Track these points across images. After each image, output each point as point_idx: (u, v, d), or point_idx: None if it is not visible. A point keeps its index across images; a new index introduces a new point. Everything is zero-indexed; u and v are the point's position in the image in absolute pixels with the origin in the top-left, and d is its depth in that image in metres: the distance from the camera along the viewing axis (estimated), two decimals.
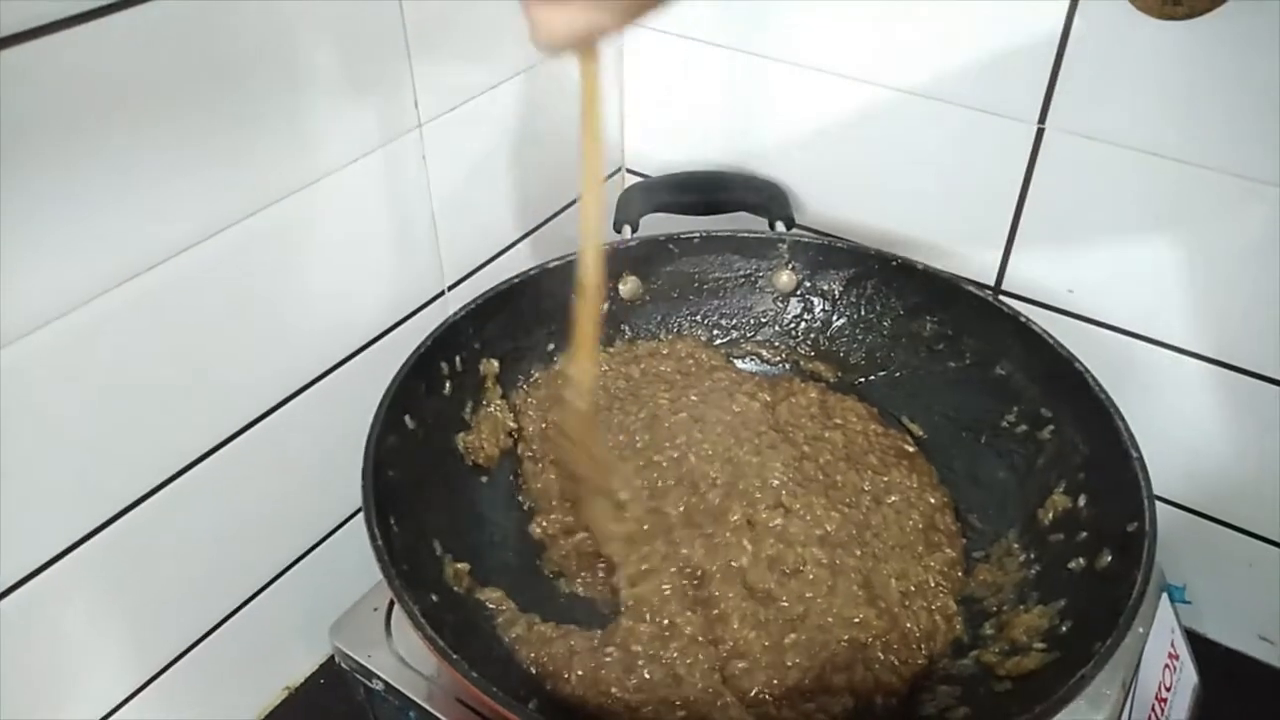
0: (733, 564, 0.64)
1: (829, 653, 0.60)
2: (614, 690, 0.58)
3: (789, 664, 0.60)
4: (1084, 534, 0.62)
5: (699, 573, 0.64)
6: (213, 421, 0.66)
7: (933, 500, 0.70)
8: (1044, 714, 0.49)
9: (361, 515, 0.78)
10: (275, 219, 0.63)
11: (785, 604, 0.62)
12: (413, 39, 0.67)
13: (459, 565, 0.64)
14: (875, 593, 0.63)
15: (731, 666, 0.60)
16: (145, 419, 0.60)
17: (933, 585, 0.65)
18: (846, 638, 0.61)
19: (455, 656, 0.49)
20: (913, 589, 0.64)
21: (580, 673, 0.59)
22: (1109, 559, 0.59)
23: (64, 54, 0.48)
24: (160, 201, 0.56)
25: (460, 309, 0.70)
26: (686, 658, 0.60)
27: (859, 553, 0.65)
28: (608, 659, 0.60)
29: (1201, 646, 0.80)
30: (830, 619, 0.62)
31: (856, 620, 0.62)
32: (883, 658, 0.61)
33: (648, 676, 0.59)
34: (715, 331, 0.81)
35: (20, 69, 0.46)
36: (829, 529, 0.66)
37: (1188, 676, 0.74)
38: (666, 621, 0.62)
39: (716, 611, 0.62)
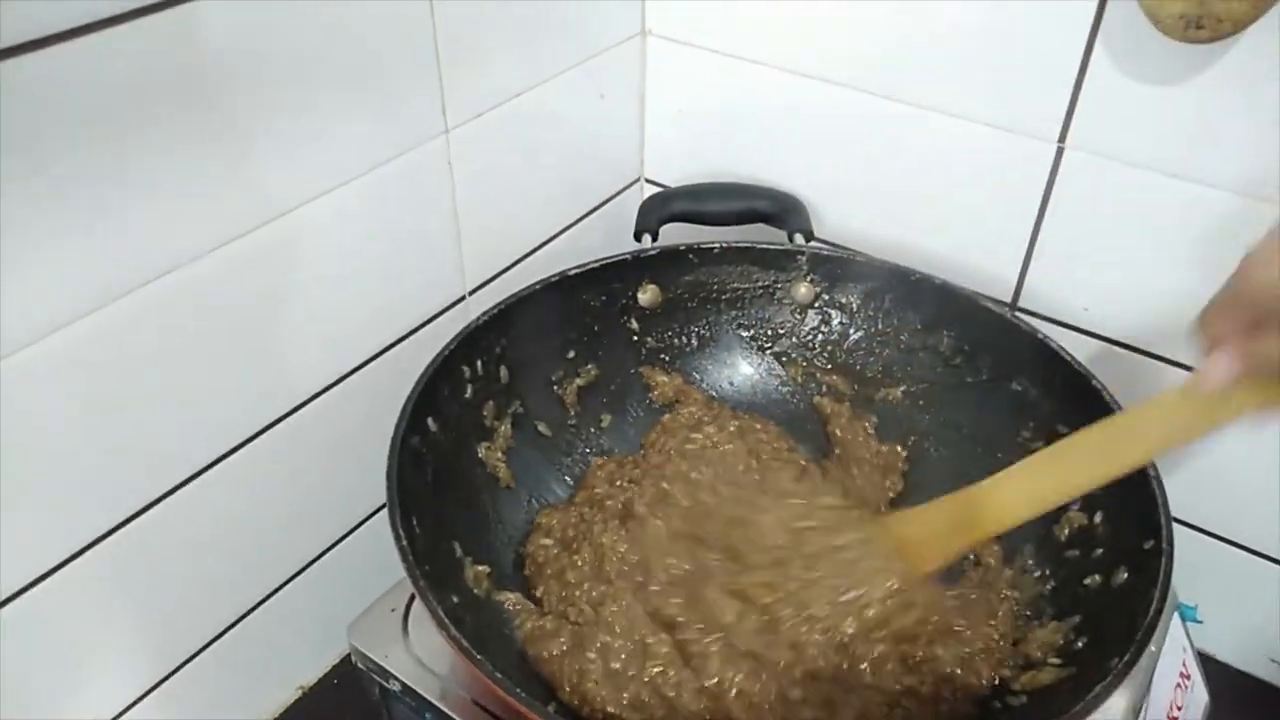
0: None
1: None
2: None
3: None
4: (1100, 551, 0.63)
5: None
6: (230, 424, 0.66)
7: None
8: None
9: (377, 518, 0.81)
10: (299, 222, 0.64)
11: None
12: (443, 45, 0.68)
13: (479, 568, 0.64)
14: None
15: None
16: (161, 421, 0.61)
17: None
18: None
19: (479, 657, 0.50)
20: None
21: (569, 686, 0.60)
22: (1125, 576, 0.60)
23: (81, 61, 0.48)
24: (185, 206, 0.56)
25: (483, 314, 0.71)
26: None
27: None
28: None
29: (1212, 667, 0.80)
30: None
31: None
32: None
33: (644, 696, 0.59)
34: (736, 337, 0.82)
35: (28, 79, 0.46)
36: None
37: (1199, 696, 0.74)
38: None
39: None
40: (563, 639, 0.62)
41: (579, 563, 0.68)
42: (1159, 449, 0.56)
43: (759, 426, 0.78)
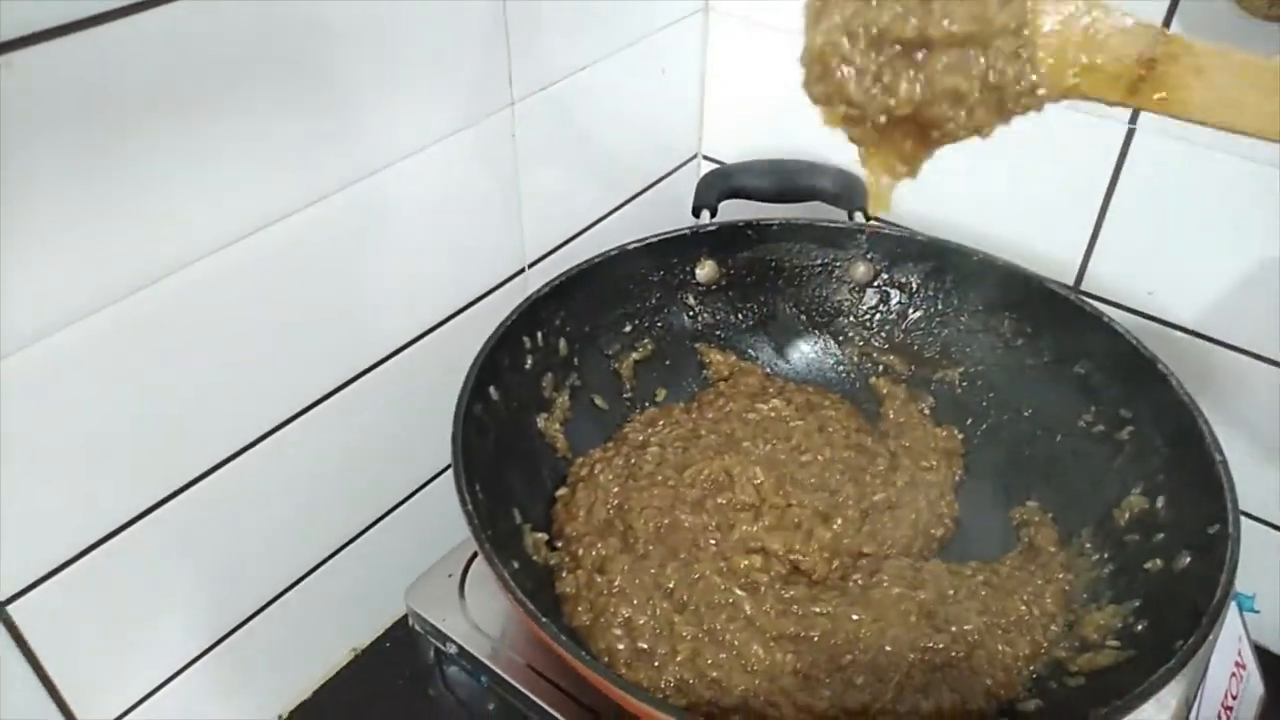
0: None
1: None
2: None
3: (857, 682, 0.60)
4: (1161, 535, 0.62)
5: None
6: (293, 390, 0.67)
7: None
8: (1124, 708, 0.50)
9: (431, 486, 0.82)
10: (363, 194, 0.64)
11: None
12: (512, 17, 0.68)
13: (538, 535, 0.65)
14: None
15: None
16: (226, 387, 0.62)
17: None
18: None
19: (544, 620, 0.50)
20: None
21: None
22: (1188, 560, 0.59)
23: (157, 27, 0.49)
24: (269, 169, 0.57)
25: (544, 285, 0.71)
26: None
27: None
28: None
29: (1268, 660, 0.79)
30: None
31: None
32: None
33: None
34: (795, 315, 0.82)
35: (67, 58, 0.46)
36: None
37: (1254, 686, 0.73)
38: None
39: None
40: (581, 609, 0.62)
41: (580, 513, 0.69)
42: None
43: (827, 403, 0.78)
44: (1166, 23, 0.66)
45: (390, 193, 0.66)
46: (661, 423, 0.77)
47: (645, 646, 0.60)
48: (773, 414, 0.76)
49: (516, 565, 0.60)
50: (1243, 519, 0.78)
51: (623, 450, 0.74)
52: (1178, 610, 0.56)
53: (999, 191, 0.80)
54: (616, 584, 0.63)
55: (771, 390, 0.79)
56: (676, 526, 0.67)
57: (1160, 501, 0.64)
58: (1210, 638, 0.67)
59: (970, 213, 0.82)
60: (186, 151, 0.53)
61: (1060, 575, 0.66)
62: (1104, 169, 0.73)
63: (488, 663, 0.65)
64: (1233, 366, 0.74)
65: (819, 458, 0.73)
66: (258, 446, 0.66)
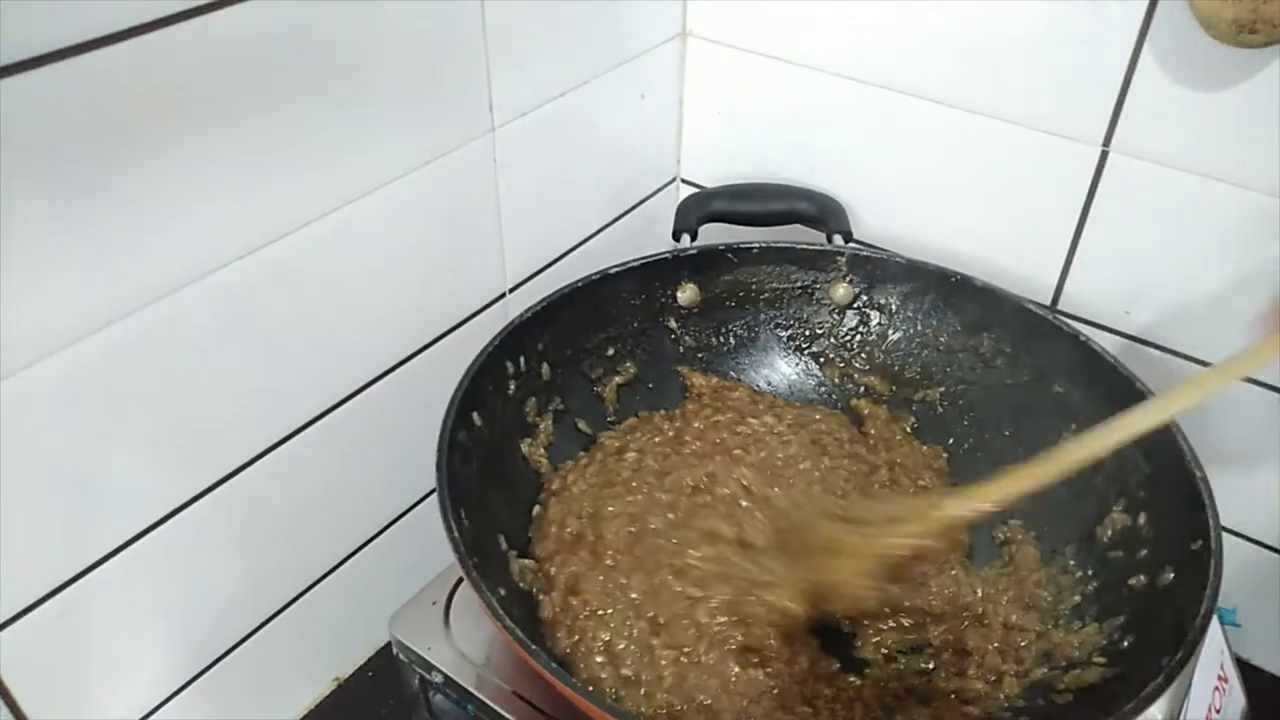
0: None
1: None
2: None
3: None
4: (1144, 551, 0.63)
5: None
6: (271, 419, 0.67)
7: None
8: None
9: (413, 513, 0.81)
10: (342, 221, 0.64)
11: None
12: (492, 43, 0.68)
13: (523, 561, 0.65)
14: None
15: None
16: (204, 418, 0.61)
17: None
18: None
19: (534, 648, 0.50)
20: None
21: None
22: (1171, 576, 0.60)
23: (134, 59, 0.48)
24: (236, 206, 0.57)
25: (526, 310, 0.71)
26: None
27: None
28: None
29: (1248, 673, 0.80)
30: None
31: None
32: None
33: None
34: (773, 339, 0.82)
35: (70, 79, 0.46)
36: None
37: (1236, 700, 0.74)
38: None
39: None
40: (561, 634, 0.62)
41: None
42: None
43: (819, 416, 0.78)
44: (1137, 47, 0.67)
45: (370, 219, 0.66)
46: (641, 431, 0.76)
47: (630, 674, 0.60)
48: (763, 428, 0.76)
49: (503, 592, 0.60)
50: (1225, 534, 0.80)
51: (597, 458, 0.73)
52: (1163, 626, 0.56)
53: (976, 213, 0.81)
54: (590, 605, 0.63)
55: (762, 405, 0.79)
56: (645, 533, 0.67)
57: (1142, 518, 0.64)
58: (1194, 654, 0.68)
59: (948, 234, 0.83)
60: (153, 183, 0.52)
61: (1035, 591, 0.66)
62: (1079, 190, 0.74)
63: (474, 691, 0.64)
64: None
65: (818, 469, 0.73)
66: (237, 477, 0.65)
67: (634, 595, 0.63)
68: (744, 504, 0.70)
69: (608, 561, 0.65)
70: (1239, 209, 0.68)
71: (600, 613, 0.62)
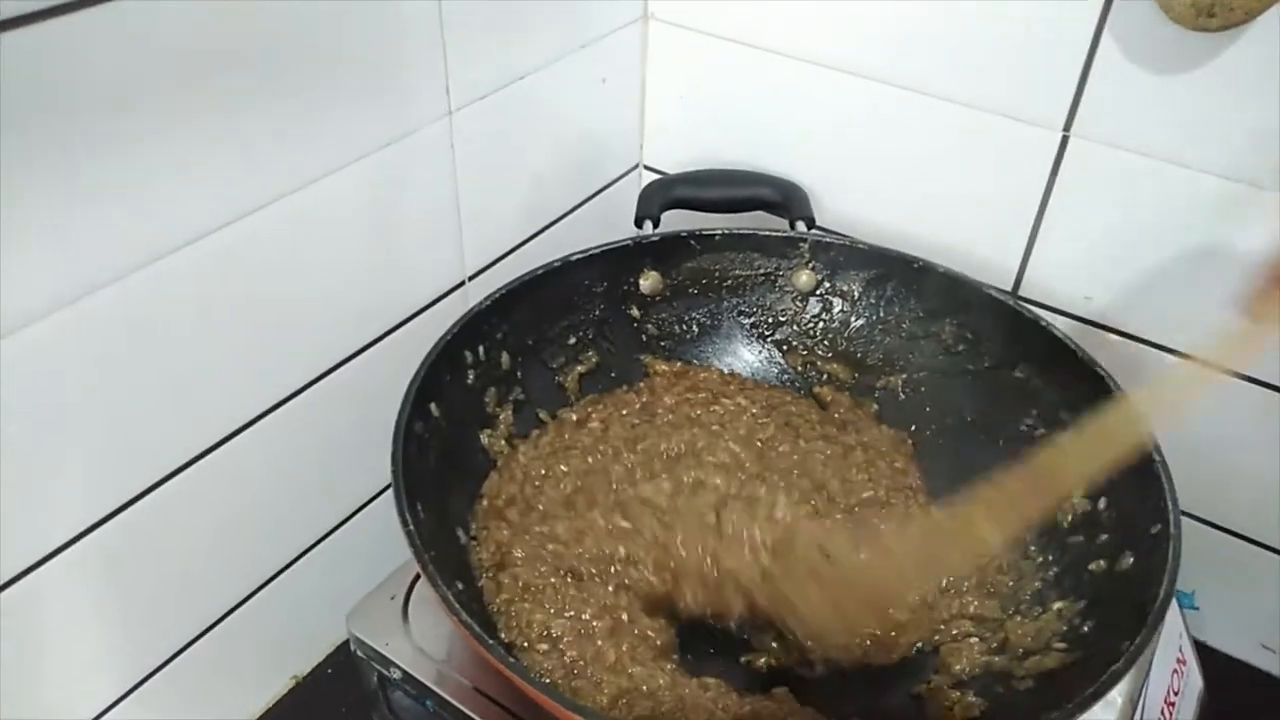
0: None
1: None
2: None
3: None
4: (1105, 536, 0.63)
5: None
6: (224, 412, 0.65)
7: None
8: (1074, 711, 0.50)
9: (371, 506, 0.80)
10: (297, 206, 0.62)
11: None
12: (448, 25, 0.67)
13: (483, 553, 0.64)
14: None
15: None
16: (154, 410, 0.60)
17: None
18: None
19: (490, 642, 0.49)
20: None
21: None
22: (1131, 560, 0.60)
23: (71, 38, 0.47)
24: (181, 189, 0.55)
25: (485, 298, 0.70)
26: None
27: None
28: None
29: (1205, 654, 0.81)
30: None
31: None
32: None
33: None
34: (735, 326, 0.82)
35: (20, 54, 0.45)
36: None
37: (1194, 682, 0.75)
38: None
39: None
40: (500, 625, 0.61)
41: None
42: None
43: (788, 398, 0.78)
44: (1097, 31, 0.67)
45: (324, 206, 0.64)
46: (605, 405, 0.76)
47: (574, 656, 0.59)
48: (736, 408, 0.76)
49: (461, 586, 0.59)
50: (1182, 518, 0.81)
51: (553, 430, 0.73)
52: (1122, 611, 0.57)
53: (939, 198, 0.81)
54: (520, 579, 0.62)
55: (733, 386, 0.78)
56: (593, 484, 0.67)
57: (1102, 503, 0.64)
58: (1154, 637, 0.69)
59: (912, 219, 0.83)
60: (87, 168, 0.50)
61: (996, 577, 0.66)
62: (1040, 175, 0.74)
63: (433, 687, 0.63)
64: (1167, 368, 0.76)
65: (795, 452, 0.72)
66: (186, 472, 0.63)
67: (553, 546, 0.63)
68: (741, 476, 0.69)
69: (535, 518, 0.65)
70: (1199, 193, 0.69)
71: (531, 586, 0.61)
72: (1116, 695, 0.64)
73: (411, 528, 0.54)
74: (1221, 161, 0.67)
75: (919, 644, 0.63)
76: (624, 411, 0.75)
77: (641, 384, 0.79)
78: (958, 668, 0.61)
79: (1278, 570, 0.80)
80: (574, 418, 0.74)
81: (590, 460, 0.70)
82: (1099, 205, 0.73)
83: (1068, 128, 0.71)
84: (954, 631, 0.63)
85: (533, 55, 0.77)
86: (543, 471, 0.69)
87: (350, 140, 0.64)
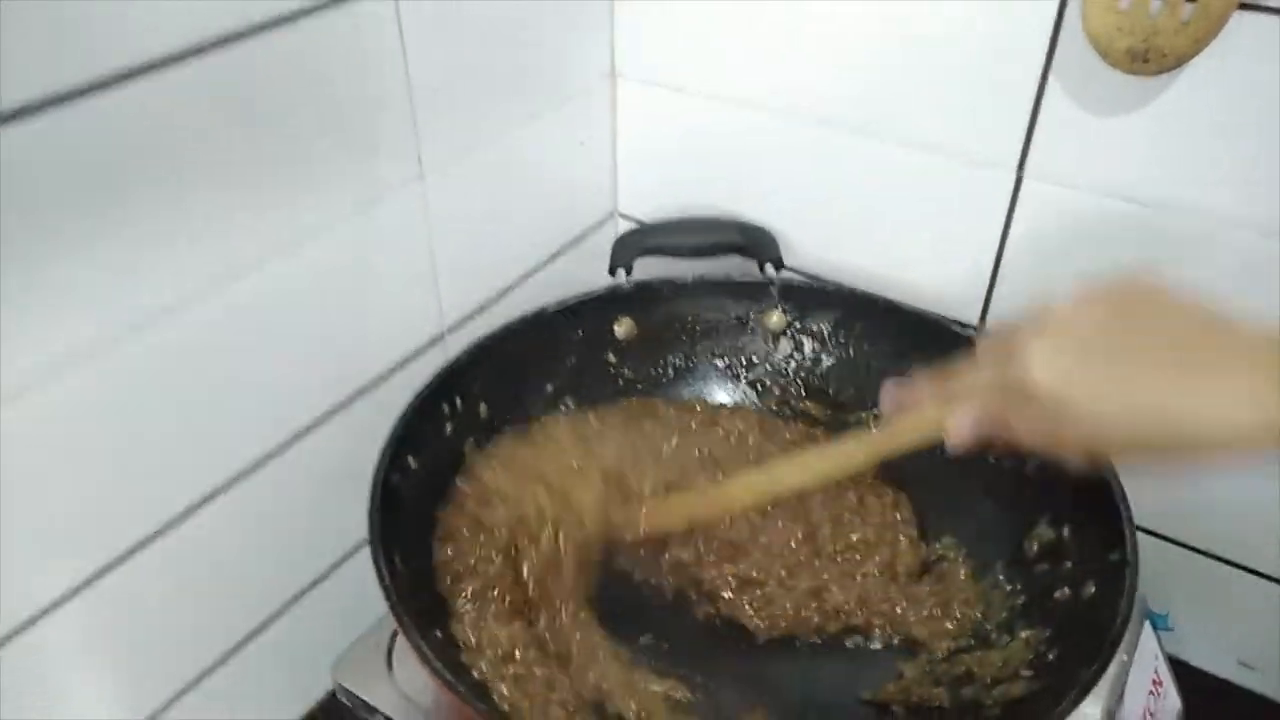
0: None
1: None
2: None
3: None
4: (1068, 564, 0.64)
5: None
6: (208, 468, 0.66)
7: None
8: None
9: (356, 557, 0.81)
10: (274, 273, 0.64)
11: None
12: (417, 92, 0.69)
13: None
14: None
15: None
16: (136, 471, 0.61)
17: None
18: None
19: (462, 689, 0.51)
20: None
21: None
22: (1093, 588, 0.61)
23: (63, 130, 0.49)
24: (160, 262, 0.57)
25: (462, 352, 0.72)
26: None
27: None
28: None
29: (1184, 672, 0.82)
30: None
31: None
32: None
33: None
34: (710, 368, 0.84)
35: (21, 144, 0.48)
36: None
37: (1171, 702, 0.76)
38: None
39: None
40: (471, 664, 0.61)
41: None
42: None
43: (782, 424, 0.81)
44: (1043, 76, 0.70)
45: (301, 273, 0.66)
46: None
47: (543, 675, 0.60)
48: (734, 431, 0.79)
49: (440, 635, 0.60)
50: (1155, 540, 0.82)
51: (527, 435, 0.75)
52: (1086, 638, 0.58)
53: (903, 239, 0.83)
54: (464, 586, 0.64)
55: (724, 413, 0.81)
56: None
57: (1066, 531, 0.66)
58: (1124, 658, 0.70)
59: (878, 260, 0.85)
60: (79, 238, 0.52)
61: (963, 610, 0.68)
62: (998, 214, 0.77)
63: None
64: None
65: None
66: (168, 532, 0.65)
67: (501, 511, 0.66)
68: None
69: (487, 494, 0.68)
70: (1150, 230, 0.71)
71: (479, 620, 0.62)
72: (1090, 715, 0.65)
73: (388, 582, 0.56)
74: (1169, 197, 0.69)
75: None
76: (609, 422, 0.78)
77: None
78: (926, 699, 0.62)
79: (1254, 588, 0.81)
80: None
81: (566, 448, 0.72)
82: (1056, 241, 0.75)
83: (1021, 168, 0.74)
84: (924, 664, 0.64)
85: (503, 117, 0.79)
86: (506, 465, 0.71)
87: (324, 208, 0.66)
